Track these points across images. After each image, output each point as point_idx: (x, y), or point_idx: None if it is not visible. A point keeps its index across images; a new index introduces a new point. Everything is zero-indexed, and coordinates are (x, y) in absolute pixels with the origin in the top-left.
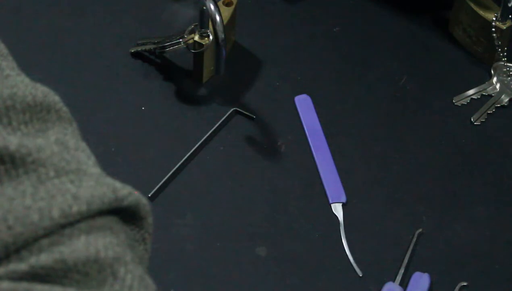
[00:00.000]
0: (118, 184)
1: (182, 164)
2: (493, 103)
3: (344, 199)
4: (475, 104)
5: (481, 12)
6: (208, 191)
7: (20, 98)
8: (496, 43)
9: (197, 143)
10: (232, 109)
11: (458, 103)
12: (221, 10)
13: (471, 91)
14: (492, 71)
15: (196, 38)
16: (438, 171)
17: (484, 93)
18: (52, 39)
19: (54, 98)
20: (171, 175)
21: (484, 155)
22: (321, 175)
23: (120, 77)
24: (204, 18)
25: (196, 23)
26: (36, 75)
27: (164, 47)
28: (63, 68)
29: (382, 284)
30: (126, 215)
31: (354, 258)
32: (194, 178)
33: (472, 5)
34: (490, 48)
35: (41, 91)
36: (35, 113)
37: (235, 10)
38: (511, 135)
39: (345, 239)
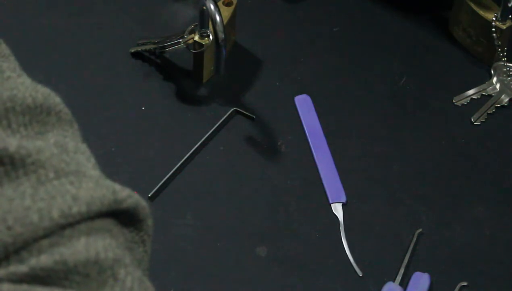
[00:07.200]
0: (117, 186)
1: (182, 164)
2: (493, 103)
3: (344, 199)
4: (475, 104)
5: (481, 12)
6: (208, 191)
7: (20, 100)
8: (496, 43)
9: (197, 143)
10: (232, 109)
11: (458, 103)
12: (221, 10)
13: (471, 91)
14: (492, 71)
15: (196, 38)
16: (438, 171)
17: (484, 93)
18: (52, 39)
19: (55, 100)
20: (171, 175)
21: (484, 155)
22: (321, 175)
23: (120, 77)
24: (204, 18)
25: (196, 23)
26: (36, 75)
27: (164, 47)
28: (63, 68)
29: (382, 284)
30: (125, 217)
31: (354, 258)
32: (194, 178)
33: (472, 5)
34: (490, 48)
35: (41, 93)
36: (35, 116)
37: (235, 10)
38: (511, 135)
39: (345, 239)
